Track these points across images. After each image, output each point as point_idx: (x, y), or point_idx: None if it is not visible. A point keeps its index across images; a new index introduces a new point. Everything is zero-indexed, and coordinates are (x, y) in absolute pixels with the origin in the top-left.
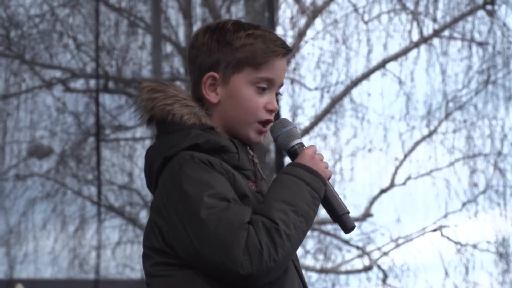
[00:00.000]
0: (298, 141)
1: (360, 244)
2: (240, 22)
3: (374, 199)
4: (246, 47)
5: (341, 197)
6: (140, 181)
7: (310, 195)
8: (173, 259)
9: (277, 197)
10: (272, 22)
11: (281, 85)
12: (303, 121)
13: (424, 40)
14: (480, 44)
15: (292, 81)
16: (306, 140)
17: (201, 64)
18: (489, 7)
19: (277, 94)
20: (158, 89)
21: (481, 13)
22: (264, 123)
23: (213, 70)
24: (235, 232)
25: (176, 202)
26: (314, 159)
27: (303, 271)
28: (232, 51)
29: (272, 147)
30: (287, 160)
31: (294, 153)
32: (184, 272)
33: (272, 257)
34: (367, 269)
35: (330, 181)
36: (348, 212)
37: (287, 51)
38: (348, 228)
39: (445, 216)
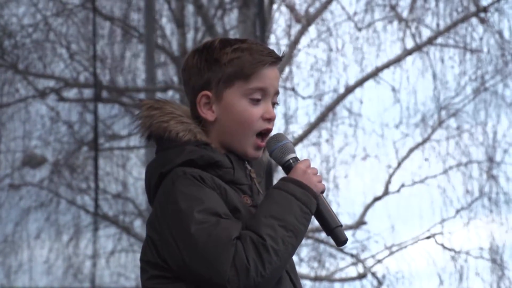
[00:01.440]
0: (292, 155)
1: (354, 252)
2: (226, 38)
3: (368, 206)
4: (233, 61)
5: (335, 205)
6: (134, 190)
7: (300, 209)
8: (166, 272)
9: (266, 213)
10: (263, 31)
11: (277, 93)
12: (296, 129)
13: (418, 47)
14: (473, 51)
15: (285, 89)
16: (299, 148)
17: (194, 86)
18: (482, 14)
19: (274, 104)
20: (155, 106)
21: (474, 20)
22: (263, 134)
23: (205, 89)
24: (223, 247)
25: (168, 216)
26: (306, 174)
27: None
28: (221, 67)
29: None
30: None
31: (288, 167)
32: (177, 285)
33: (259, 272)
34: (361, 276)
35: (324, 193)
36: (341, 225)
37: (275, 59)
38: (340, 241)
39: (439, 223)
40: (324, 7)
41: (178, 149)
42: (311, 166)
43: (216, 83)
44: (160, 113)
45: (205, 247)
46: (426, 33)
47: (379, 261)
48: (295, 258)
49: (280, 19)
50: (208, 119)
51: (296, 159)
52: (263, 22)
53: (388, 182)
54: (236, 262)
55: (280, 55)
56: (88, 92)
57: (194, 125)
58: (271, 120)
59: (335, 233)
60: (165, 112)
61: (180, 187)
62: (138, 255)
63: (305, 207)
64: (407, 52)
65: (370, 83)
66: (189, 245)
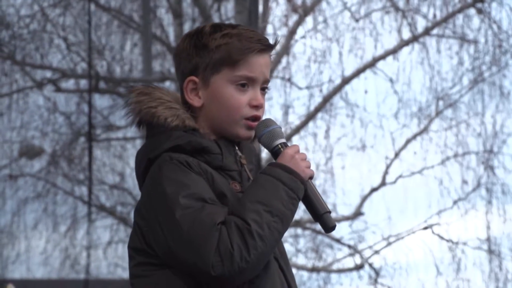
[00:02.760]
0: (281, 140)
1: (351, 243)
2: (218, 24)
3: (365, 197)
4: (221, 47)
5: (332, 195)
6: (131, 181)
7: (287, 195)
8: (153, 259)
9: (252, 198)
10: (257, 21)
11: (266, 81)
12: (293, 119)
13: (415, 38)
14: (470, 42)
15: (283, 79)
16: (296, 139)
17: (183, 70)
18: (479, 5)
19: (264, 89)
20: (145, 92)
21: (471, 11)
22: (252, 119)
23: (193, 74)
24: (206, 233)
25: (154, 202)
26: (294, 159)
27: (295, 270)
28: (209, 53)
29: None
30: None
31: (277, 152)
32: (163, 271)
33: (243, 257)
34: (358, 267)
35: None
36: (329, 212)
37: (265, 47)
38: (328, 228)
39: (437, 214)
40: None
41: (166, 134)
42: (300, 151)
43: (204, 69)
44: (149, 99)
45: (189, 232)
46: (423, 24)
47: (377, 252)
48: (291, 249)
49: (277, 9)
50: (195, 105)
51: (284, 144)
52: (255, 12)
53: (386, 173)
54: (220, 247)
55: (274, 41)
56: (85, 83)
57: (182, 111)
58: (258, 107)
59: (323, 219)
60: (154, 97)
61: (166, 173)
62: None
63: (292, 193)
64: (404, 43)
65: (367, 73)
66: (174, 231)
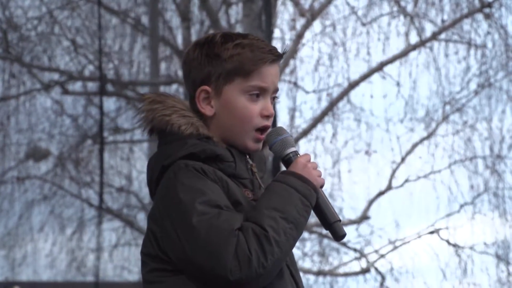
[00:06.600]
0: (292, 149)
1: (357, 247)
2: (228, 33)
3: (371, 201)
4: (234, 58)
5: (339, 199)
6: (138, 184)
7: (301, 202)
8: (167, 265)
9: (267, 204)
10: (269, 25)
11: (276, 90)
12: (300, 123)
13: (422, 42)
14: (478, 46)
15: (290, 83)
16: (303, 143)
17: (194, 80)
18: (486, 10)
19: (275, 98)
20: (158, 100)
21: (479, 16)
22: (262, 130)
23: (205, 83)
24: (224, 238)
25: (170, 208)
26: (306, 168)
27: (301, 274)
28: (221, 62)
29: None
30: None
31: (288, 161)
32: (178, 277)
33: (261, 263)
34: (364, 271)
35: (324, 189)
36: (340, 220)
37: (276, 57)
38: (338, 236)
39: (443, 218)
40: (329, 1)
41: (180, 142)
42: (311, 160)
43: (216, 79)
44: (162, 107)
45: (206, 238)
46: (430, 28)
47: (383, 256)
48: (298, 252)
49: (285, 13)
50: (207, 114)
51: (296, 153)
52: (268, 16)
53: (392, 177)
54: (238, 253)
55: (283, 50)
56: (92, 86)
57: (196, 119)
58: (269, 117)
59: (334, 228)
60: (167, 105)
61: (182, 179)
62: None
63: (306, 200)
64: (412, 47)
65: (374, 78)
66: (191, 237)
